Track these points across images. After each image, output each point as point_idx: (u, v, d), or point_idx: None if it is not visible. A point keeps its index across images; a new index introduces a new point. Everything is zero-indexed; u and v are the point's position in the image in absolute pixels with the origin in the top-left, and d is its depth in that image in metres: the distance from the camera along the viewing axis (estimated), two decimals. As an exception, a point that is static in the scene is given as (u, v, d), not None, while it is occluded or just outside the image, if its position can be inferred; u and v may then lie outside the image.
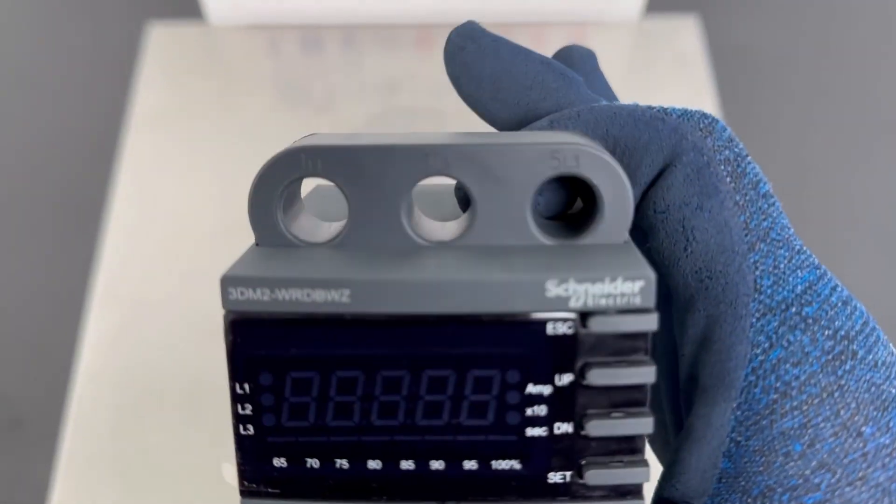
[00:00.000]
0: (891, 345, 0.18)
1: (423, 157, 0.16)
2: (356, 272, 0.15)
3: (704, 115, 0.17)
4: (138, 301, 0.56)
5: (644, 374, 0.15)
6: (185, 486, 0.48)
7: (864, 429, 0.17)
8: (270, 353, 0.15)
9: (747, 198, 0.17)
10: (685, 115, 0.17)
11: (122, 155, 0.63)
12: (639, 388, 0.15)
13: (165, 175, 0.62)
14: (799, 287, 0.17)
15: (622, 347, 0.15)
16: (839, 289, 0.17)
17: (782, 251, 0.17)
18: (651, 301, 0.15)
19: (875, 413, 0.17)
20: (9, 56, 0.94)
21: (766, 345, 0.17)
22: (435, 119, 0.65)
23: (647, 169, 0.17)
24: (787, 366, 0.17)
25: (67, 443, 0.50)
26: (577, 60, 0.21)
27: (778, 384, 0.17)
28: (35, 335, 0.83)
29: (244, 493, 0.16)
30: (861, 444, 0.17)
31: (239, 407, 0.15)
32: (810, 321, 0.17)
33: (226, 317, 0.15)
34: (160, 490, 0.49)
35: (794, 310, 0.17)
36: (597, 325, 0.15)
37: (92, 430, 0.51)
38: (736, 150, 0.17)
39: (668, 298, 0.18)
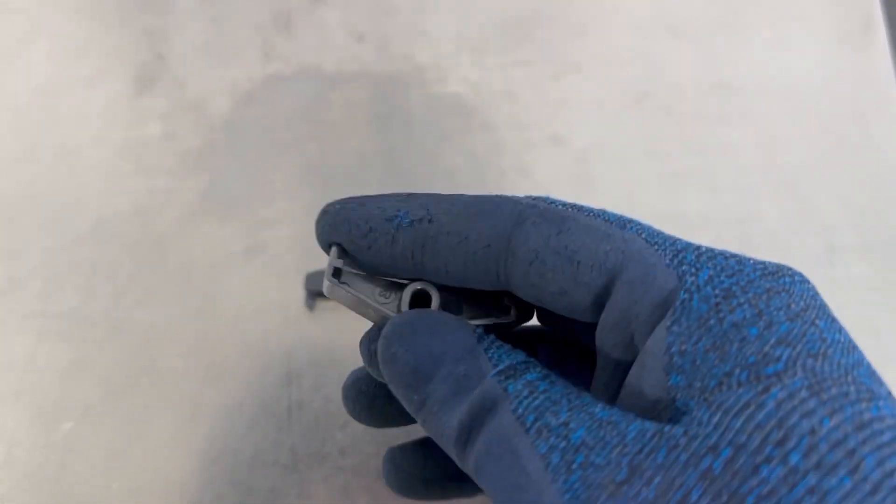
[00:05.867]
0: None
1: None
2: None
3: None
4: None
5: None
6: None
7: (818, 322, 0.17)
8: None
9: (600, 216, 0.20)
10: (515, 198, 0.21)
11: None
12: None
13: None
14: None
15: None
16: None
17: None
18: None
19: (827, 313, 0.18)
20: None
21: (692, 269, 0.18)
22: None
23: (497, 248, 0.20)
24: (722, 277, 0.18)
25: None
26: None
27: (717, 291, 0.17)
28: None
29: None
30: (818, 331, 0.17)
31: None
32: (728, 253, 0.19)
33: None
34: None
35: (704, 248, 0.19)
36: None
37: None
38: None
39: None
